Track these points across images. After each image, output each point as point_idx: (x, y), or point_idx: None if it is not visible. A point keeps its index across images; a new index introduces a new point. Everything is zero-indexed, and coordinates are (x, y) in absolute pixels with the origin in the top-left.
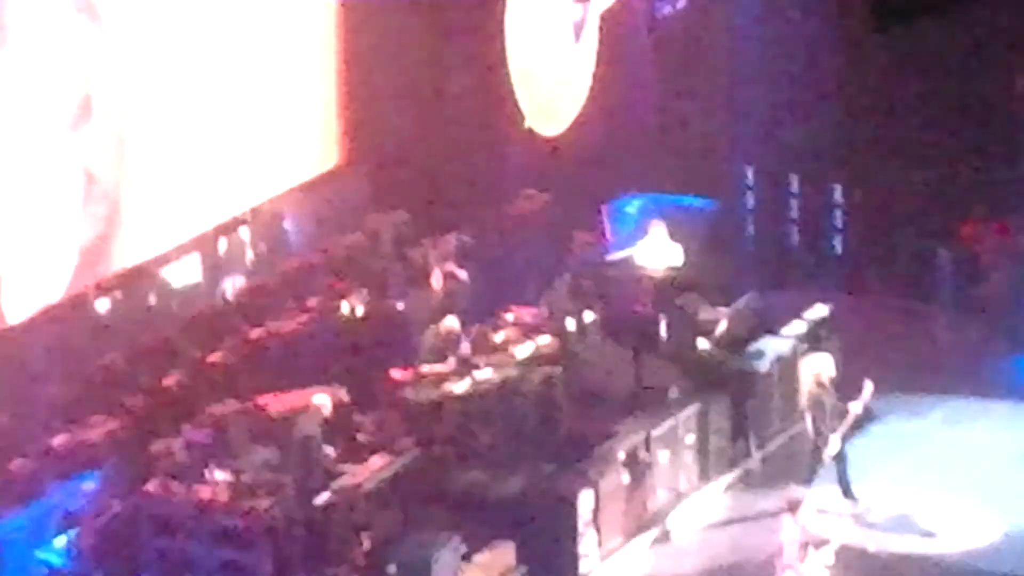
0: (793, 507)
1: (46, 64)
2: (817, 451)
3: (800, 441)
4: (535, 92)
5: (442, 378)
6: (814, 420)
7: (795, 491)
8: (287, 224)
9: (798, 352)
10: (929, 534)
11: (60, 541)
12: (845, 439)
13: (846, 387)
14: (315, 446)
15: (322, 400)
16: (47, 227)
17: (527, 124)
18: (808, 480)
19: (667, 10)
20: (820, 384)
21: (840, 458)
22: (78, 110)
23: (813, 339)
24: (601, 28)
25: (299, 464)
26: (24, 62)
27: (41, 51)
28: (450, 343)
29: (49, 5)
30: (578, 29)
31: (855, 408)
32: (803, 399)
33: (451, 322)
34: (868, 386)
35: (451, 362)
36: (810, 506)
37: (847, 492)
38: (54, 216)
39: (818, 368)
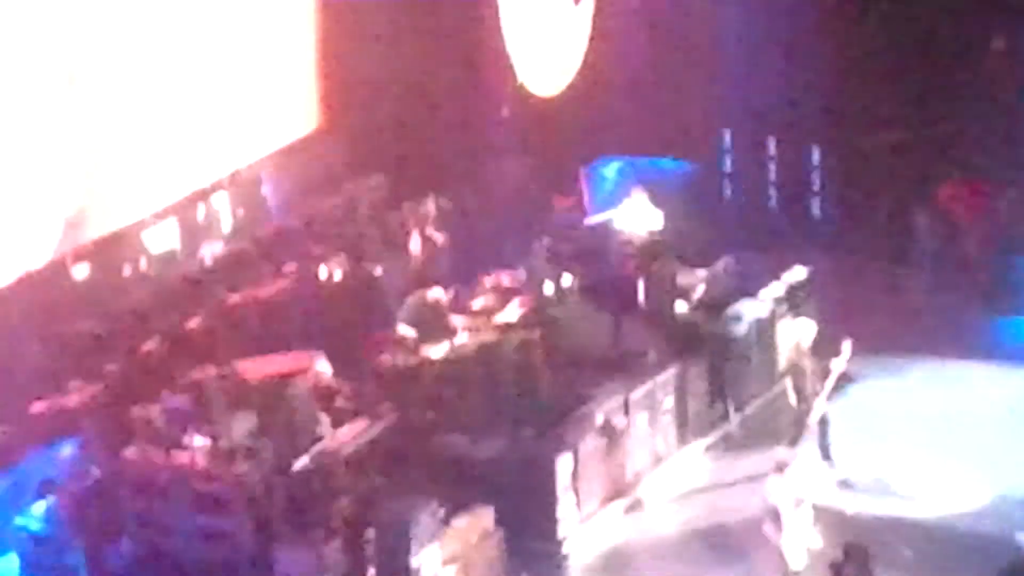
0: (781, 467)
1: (28, 36)
2: (800, 418)
3: (779, 404)
4: (532, 51)
5: (420, 343)
6: (796, 386)
7: (783, 452)
8: (265, 189)
9: (776, 314)
10: (907, 497)
11: (39, 507)
12: (828, 400)
13: (825, 348)
14: (308, 410)
15: (323, 366)
16: (29, 196)
17: (519, 82)
18: (793, 443)
19: None
20: (800, 350)
21: (823, 422)
22: (61, 80)
23: (791, 301)
24: None
25: (287, 428)
26: (5, 33)
27: (23, 22)
28: (435, 313)
29: None
30: None
31: (837, 366)
32: (783, 365)
33: (437, 293)
34: (847, 345)
35: (430, 327)
36: (796, 467)
37: (826, 455)
38: (36, 186)
39: (798, 334)
